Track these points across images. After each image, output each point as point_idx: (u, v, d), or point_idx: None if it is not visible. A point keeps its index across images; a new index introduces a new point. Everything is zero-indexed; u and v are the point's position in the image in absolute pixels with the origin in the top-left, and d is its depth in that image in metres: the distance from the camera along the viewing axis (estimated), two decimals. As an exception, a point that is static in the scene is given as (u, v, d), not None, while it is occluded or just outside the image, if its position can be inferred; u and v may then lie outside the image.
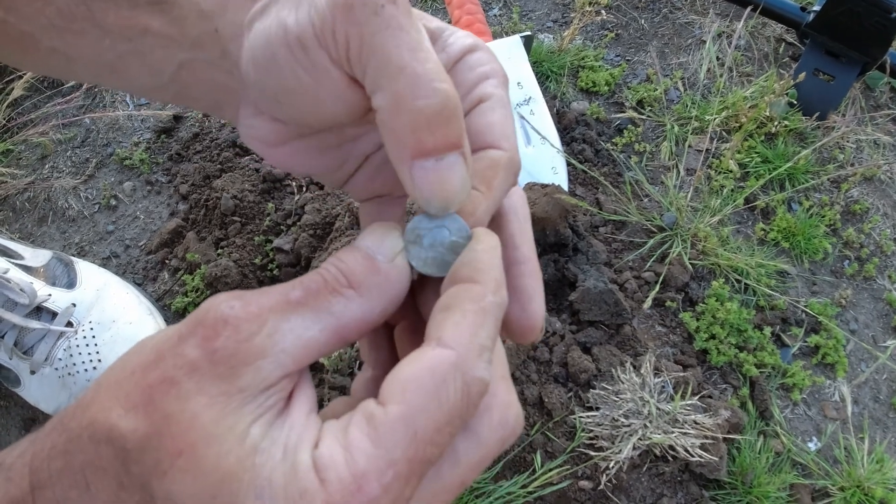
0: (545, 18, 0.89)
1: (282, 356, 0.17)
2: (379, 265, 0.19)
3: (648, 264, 0.63)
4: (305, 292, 0.18)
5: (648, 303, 0.57)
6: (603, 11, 0.76)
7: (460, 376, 0.17)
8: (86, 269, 0.69)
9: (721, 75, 0.80)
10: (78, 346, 0.63)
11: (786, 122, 0.74)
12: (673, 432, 0.51)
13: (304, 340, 0.18)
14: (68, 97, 0.94)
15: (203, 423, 0.16)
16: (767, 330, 0.61)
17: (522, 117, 0.67)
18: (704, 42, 0.83)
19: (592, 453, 0.52)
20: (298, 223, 0.67)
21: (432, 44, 0.20)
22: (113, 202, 0.81)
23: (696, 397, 0.53)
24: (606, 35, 0.84)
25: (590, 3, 0.80)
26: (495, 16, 0.91)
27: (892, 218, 0.77)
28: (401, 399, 0.17)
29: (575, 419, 0.54)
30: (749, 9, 0.80)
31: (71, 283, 0.68)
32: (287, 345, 0.17)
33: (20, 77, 0.91)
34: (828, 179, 0.75)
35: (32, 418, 0.70)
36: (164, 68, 0.24)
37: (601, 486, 0.52)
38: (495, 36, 0.87)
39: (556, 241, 0.60)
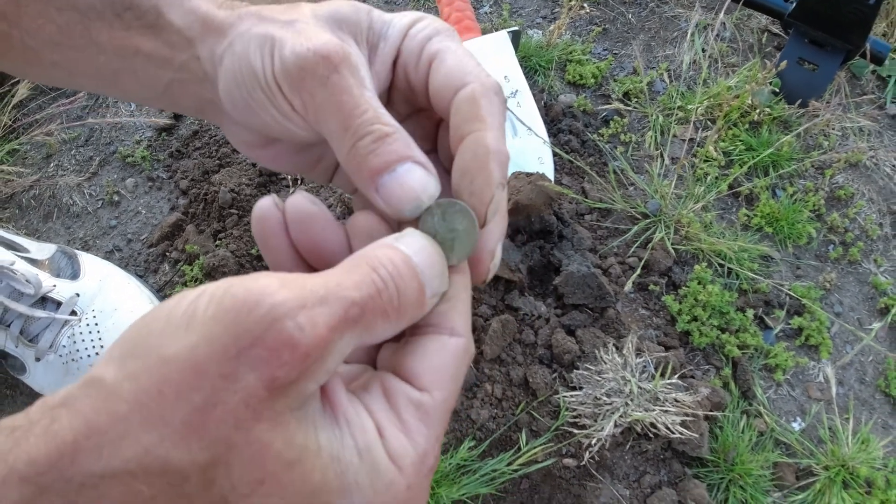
0: (534, 15, 0.91)
1: (327, 374, 0.18)
2: (426, 300, 0.21)
3: (632, 250, 0.64)
4: (362, 309, 0.18)
5: (629, 285, 0.58)
6: (587, 6, 0.77)
7: (469, 357, 0.21)
8: (89, 262, 0.71)
9: (707, 66, 0.81)
10: (81, 333, 0.64)
11: (769, 111, 0.75)
12: (654, 410, 0.52)
13: (344, 356, 0.18)
14: (72, 98, 0.96)
15: (277, 450, 0.16)
16: (750, 312, 0.62)
17: (509, 109, 0.69)
18: (693, 35, 0.84)
19: (576, 431, 0.54)
20: (292, 214, 0.69)
21: (378, 42, 0.24)
22: (115, 198, 0.83)
23: (677, 376, 0.54)
24: (594, 30, 0.85)
25: (573, 4, 0.81)
26: (486, 13, 0.92)
27: (877, 203, 0.78)
28: (441, 386, 0.20)
29: (559, 398, 0.55)
30: (732, 0, 0.81)
31: (75, 275, 0.70)
32: (334, 364, 0.18)
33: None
34: (812, 166, 0.76)
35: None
36: (156, 84, 0.27)
37: (584, 463, 0.53)
38: (486, 32, 0.89)
39: (542, 228, 0.62)
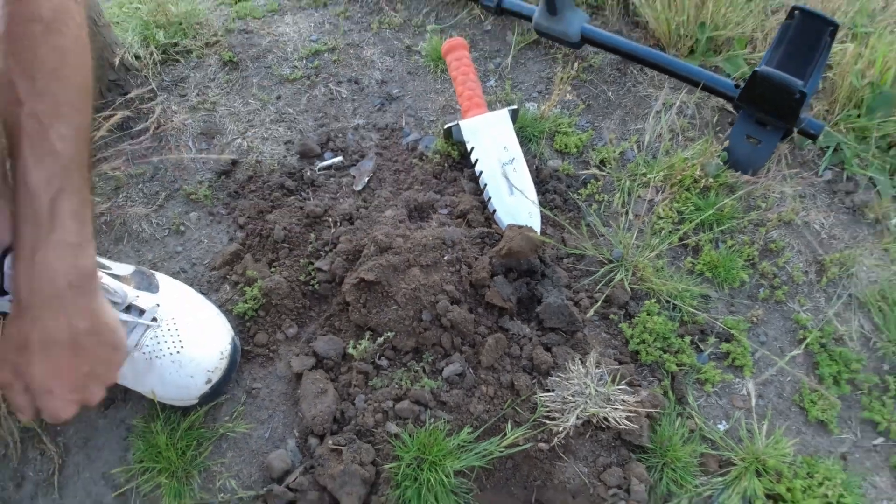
0: (531, 90, 1.15)
1: None
2: None
3: (598, 287, 0.86)
4: None
5: (591, 313, 0.80)
6: (574, 82, 1.01)
7: None
8: (163, 279, 0.93)
9: (669, 139, 1.04)
10: (163, 335, 0.85)
11: (717, 179, 0.98)
12: (606, 407, 0.74)
13: None
14: (138, 139, 1.20)
15: None
16: (687, 339, 0.84)
17: (506, 176, 0.92)
18: (659, 112, 1.08)
19: (548, 422, 0.75)
20: (334, 250, 0.92)
21: None
22: (181, 228, 1.05)
23: (625, 382, 0.75)
24: (579, 105, 1.09)
25: (564, 81, 1.05)
26: (492, 86, 1.17)
27: (804, 254, 1.00)
28: None
29: (537, 398, 0.77)
30: (693, 84, 1.05)
31: (153, 289, 0.91)
32: None
33: (106, 119, 1.17)
34: (750, 223, 0.99)
35: (111, 398, 0.93)
36: None
37: (554, 447, 0.75)
38: (491, 103, 1.13)
39: (529, 269, 0.84)
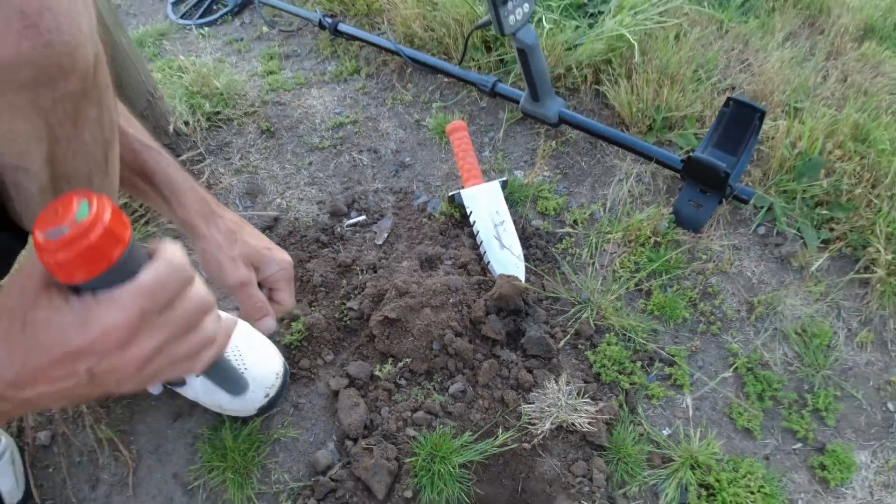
0: (519, 160, 1.42)
1: None
2: None
3: (570, 323, 1.11)
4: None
5: (563, 343, 1.05)
6: (550, 161, 1.28)
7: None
8: (223, 314, 1.18)
9: (630, 202, 1.31)
10: (230, 359, 1.10)
11: (666, 236, 1.24)
12: (574, 415, 0.99)
13: None
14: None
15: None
16: (638, 363, 1.09)
17: (497, 235, 1.18)
18: (622, 180, 1.35)
19: (530, 427, 0.99)
20: (362, 293, 1.17)
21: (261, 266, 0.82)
22: (234, 274, 1.29)
23: (588, 396, 1.00)
24: (557, 174, 1.36)
25: (545, 153, 1.32)
26: (486, 156, 1.44)
27: (738, 297, 1.26)
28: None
29: (521, 409, 1.01)
30: (647, 158, 1.32)
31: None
32: None
33: None
34: (693, 271, 1.24)
35: (179, 412, 1.16)
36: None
37: (534, 446, 0.99)
38: (485, 171, 1.40)
39: (515, 309, 1.09)
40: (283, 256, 0.86)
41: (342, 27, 1.79)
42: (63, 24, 0.41)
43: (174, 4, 2.40)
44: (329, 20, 1.82)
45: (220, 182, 1.52)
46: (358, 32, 1.75)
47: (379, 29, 1.88)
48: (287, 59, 1.93)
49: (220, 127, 1.67)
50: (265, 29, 2.10)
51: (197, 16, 2.30)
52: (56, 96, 0.45)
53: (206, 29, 2.20)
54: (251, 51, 2.01)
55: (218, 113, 1.69)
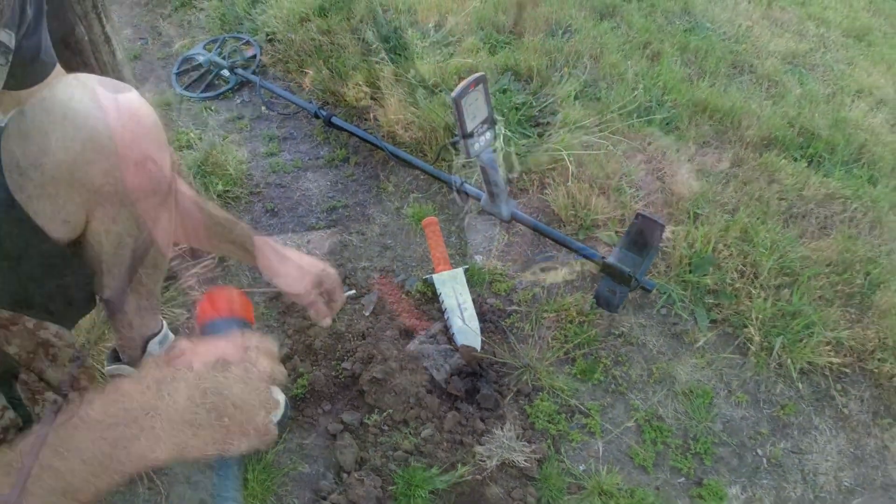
0: (479, 246, 1.81)
1: None
2: None
3: (513, 383, 1.49)
4: None
5: (508, 399, 1.43)
6: (499, 258, 1.68)
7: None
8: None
9: (563, 287, 1.71)
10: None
11: (588, 316, 1.65)
12: (514, 454, 1.35)
13: None
14: (204, 265, 1.78)
15: None
16: (563, 415, 1.47)
17: (460, 312, 1.56)
18: (557, 269, 1.75)
19: (482, 463, 1.36)
20: (354, 356, 1.52)
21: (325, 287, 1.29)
22: (247, 335, 1.62)
23: (525, 439, 1.37)
24: (508, 263, 1.76)
25: (500, 243, 1.71)
26: (453, 242, 1.82)
27: (640, 364, 1.67)
28: None
29: (475, 449, 1.38)
30: (575, 253, 1.73)
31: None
32: None
33: (180, 249, 1.75)
34: (607, 344, 1.65)
35: None
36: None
37: (485, 477, 1.35)
38: (452, 256, 1.79)
39: (472, 372, 1.47)
40: (331, 272, 1.28)
41: (335, 120, 2.17)
42: (159, 165, 0.84)
43: (178, 75, 2.72)
44: (324, 112, 2.19)
45: (231, 257, 1.84)
46: (349, 127, 2.13)
47: (367, 121, 2.26)
48: (285, 142, 2.29)
49: (229, 204, 2.00)
50: (264, 109, 2.45)
51: (200, 89, 2.63)
52: (146, 206, 0.84)
53: (209, 102, 2.52)
54: (252, 129, 2.36)
55: (227, 191, 2.02)
